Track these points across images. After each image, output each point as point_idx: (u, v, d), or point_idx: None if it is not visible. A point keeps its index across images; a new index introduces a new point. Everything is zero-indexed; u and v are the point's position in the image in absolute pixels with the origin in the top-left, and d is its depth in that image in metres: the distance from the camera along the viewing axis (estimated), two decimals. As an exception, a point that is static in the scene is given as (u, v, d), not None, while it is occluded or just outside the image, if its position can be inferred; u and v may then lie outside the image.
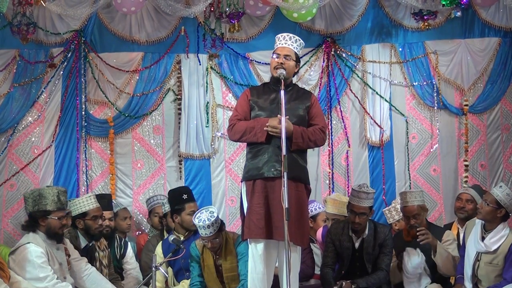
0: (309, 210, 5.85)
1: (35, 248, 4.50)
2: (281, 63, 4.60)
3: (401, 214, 6.08)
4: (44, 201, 4.61)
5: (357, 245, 5.30)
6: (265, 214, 4.45)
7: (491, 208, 4.81)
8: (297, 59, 4.72)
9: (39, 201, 4.62)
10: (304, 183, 4.62)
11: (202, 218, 5.02)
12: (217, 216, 5.09)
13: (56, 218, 4.63)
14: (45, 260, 4.50)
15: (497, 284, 4.75)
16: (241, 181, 4.71)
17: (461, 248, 5.20)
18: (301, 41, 4.76)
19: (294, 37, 4.72)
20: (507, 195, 4.80)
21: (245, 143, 4.76)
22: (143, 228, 6.82)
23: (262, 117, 4.58)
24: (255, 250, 4.51)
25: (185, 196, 5.59)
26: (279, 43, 4.70)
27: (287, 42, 4.68)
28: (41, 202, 4.61)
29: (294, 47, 4.68)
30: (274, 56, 4.66)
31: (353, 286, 5.10)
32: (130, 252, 5.70)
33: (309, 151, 6.89)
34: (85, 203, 5.30)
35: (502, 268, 4.78)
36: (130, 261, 5.68)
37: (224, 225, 5.28)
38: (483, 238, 4.87)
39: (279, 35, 4.75)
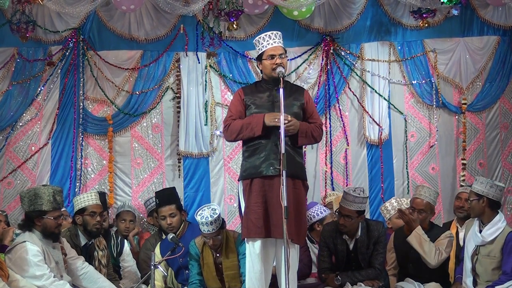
0: (315, 214, 5.86)
1: (31, 246, 4.50)
2: (280, 63, 4.58)
3: (396, 209, 6.11)
4: (39, 201, 4.61)
5: (351, 246, 5.29)
6: (264, 213, 4.45)
7: (474, 201, 5.00)
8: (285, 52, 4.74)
9: (34, 201, 4.61)
10: (302, 180, 4.63)
11: (205, 215, 5.02)
12: (219, 214, 5.09)
13: (52, 218, 4.63)
14: (42, 258, 4.50)
15: (497, 281, 4.81)
16: (238, 181, 4.71)
17: (462, 249, 5.24)
18: (280, 32, 4.73)
19: (277, 33, 4.70)
20: (481, 183, 5.00)
21: (241, 142, 4.76)
22: (142, 225, 6.80)
23: (258, 114, 4.56)
24: (253, 249, 4.51)
25: (157, 201, 5.65)
26: (267, 44, 4.63)
27: (275, 40, 4.66)
28: (37, 202, 4.61)
29: (281, 43, 4.68)
30: (268, 57, 4.61)
31: (337, 278, 5.15)
32: (126, 249, 5.70)
33: (308, 149, 7.04)
34: (84, 199, 5.32)
35: (500, 260, 4.87)
36: (127, 259, 5.68)
37: (225, 223, 5.29)
38: (480, 231, 4.98)
39: (263, 36, 4.67)
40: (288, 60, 6.96)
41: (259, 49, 4.67)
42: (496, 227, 4.91)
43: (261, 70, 4.77)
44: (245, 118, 4.62)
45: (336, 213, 5.52)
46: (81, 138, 6.84)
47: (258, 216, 4.45)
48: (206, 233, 5.05)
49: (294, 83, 6.98)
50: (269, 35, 4.67)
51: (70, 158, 6.80)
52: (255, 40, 4.72)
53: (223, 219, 5.21)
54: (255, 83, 4.90)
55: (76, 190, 6.73)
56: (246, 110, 4.68)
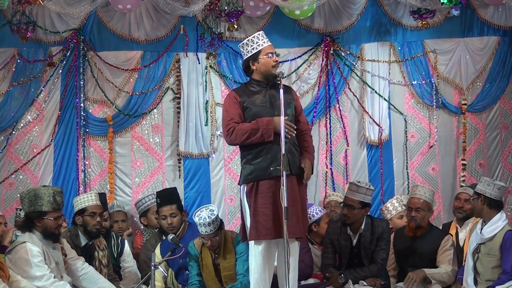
0: (311, 216, 5.86)
1: (31, 247, 4.50)
2: (277, 60, 4.61)
3: (398, 209, 6.12)
4: (39, 201, 4.62)
5: (355, 241, 5.31)
6: (272, 214, 4.43)
7: (474, 200, 5.07)
8: None
9: (34, 202, 4.62)
10: (303, 177, 4.65)
11: (202, 216, 5.03)
12: (217, 215, 5.10)
13: (52, 218, 4.63)
14: (42, 259, 4.51)
15: (497, 281, 4.81)
16: (239, 184, 4.65)
17: (461, 250, 5.25)
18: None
19: (264, 33, 4.72)
20: (480, 182, 5.06)
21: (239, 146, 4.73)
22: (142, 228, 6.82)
23: (263, 118, 4.52)
24: (257, 249, 4.49)
25: (158, 200, 5.63)
26: (262, 43, 4.62)
27: (268, 39, 4.69)
28: (37, 202, 4.62)
29: None
30: (267, 55, 4.59)
31: (340, 276, 5.14)
32: (127, 250, 5.72)
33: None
34: (85, 199, 5.34)
35: (499, 259, 4.87)
36: (128, 259, 5.69)
37: (223, 224, 5.29)
38: (482, 230, 5.01)
39: (256, 35, 4.66)
40: (288, 60, 7.04)
41: (253, 48, 4.63)
42: (496, 225, 4.91)
43: (251, 71, 4.70)
44: (252, 123, 4.53)
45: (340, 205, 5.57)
46: (83, 140, 6.85)
47: (267, 218, 4.42)
48: (204, 234, 5.06)
49: (294, 83, 7.02)
50: (261, 34, 4.68)
51: (73, 159, 6.82)
52: (248, 41, 4.66)
53: (221, 220, 5.20)
54: (245, 84, 4.83)
55: (80, 191, 6.72)
56: (243, 112, 4.63)
